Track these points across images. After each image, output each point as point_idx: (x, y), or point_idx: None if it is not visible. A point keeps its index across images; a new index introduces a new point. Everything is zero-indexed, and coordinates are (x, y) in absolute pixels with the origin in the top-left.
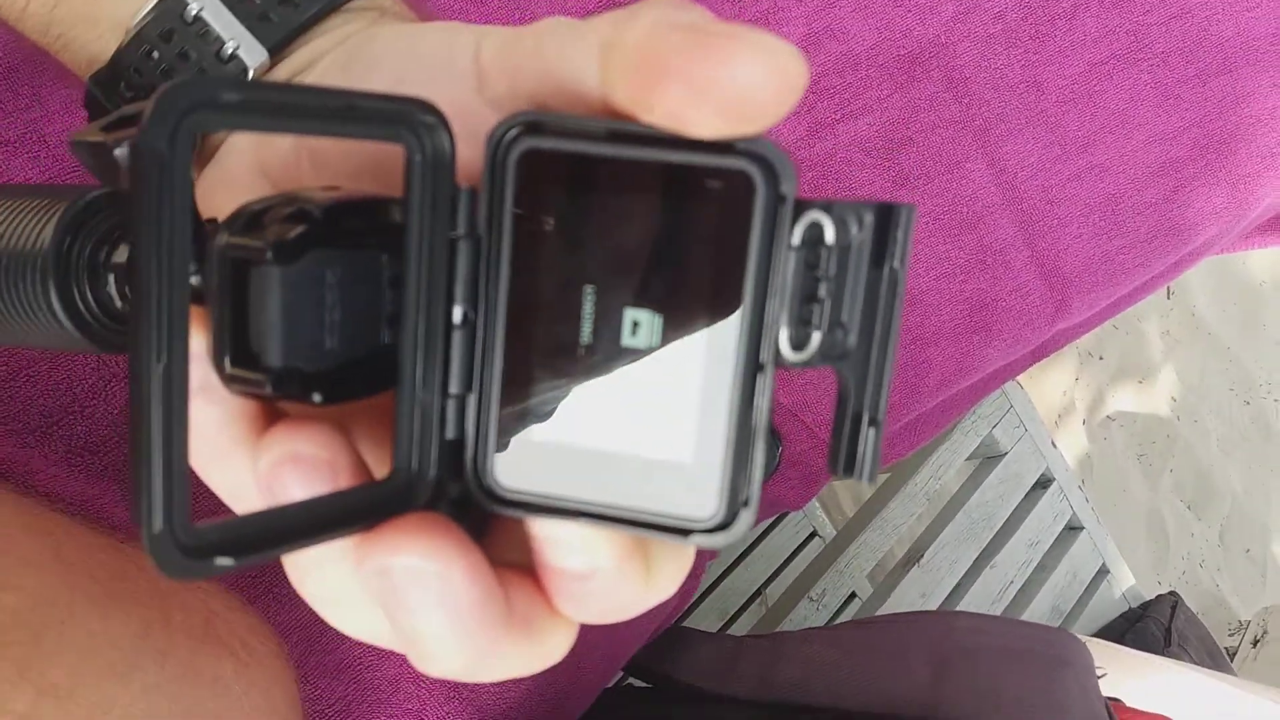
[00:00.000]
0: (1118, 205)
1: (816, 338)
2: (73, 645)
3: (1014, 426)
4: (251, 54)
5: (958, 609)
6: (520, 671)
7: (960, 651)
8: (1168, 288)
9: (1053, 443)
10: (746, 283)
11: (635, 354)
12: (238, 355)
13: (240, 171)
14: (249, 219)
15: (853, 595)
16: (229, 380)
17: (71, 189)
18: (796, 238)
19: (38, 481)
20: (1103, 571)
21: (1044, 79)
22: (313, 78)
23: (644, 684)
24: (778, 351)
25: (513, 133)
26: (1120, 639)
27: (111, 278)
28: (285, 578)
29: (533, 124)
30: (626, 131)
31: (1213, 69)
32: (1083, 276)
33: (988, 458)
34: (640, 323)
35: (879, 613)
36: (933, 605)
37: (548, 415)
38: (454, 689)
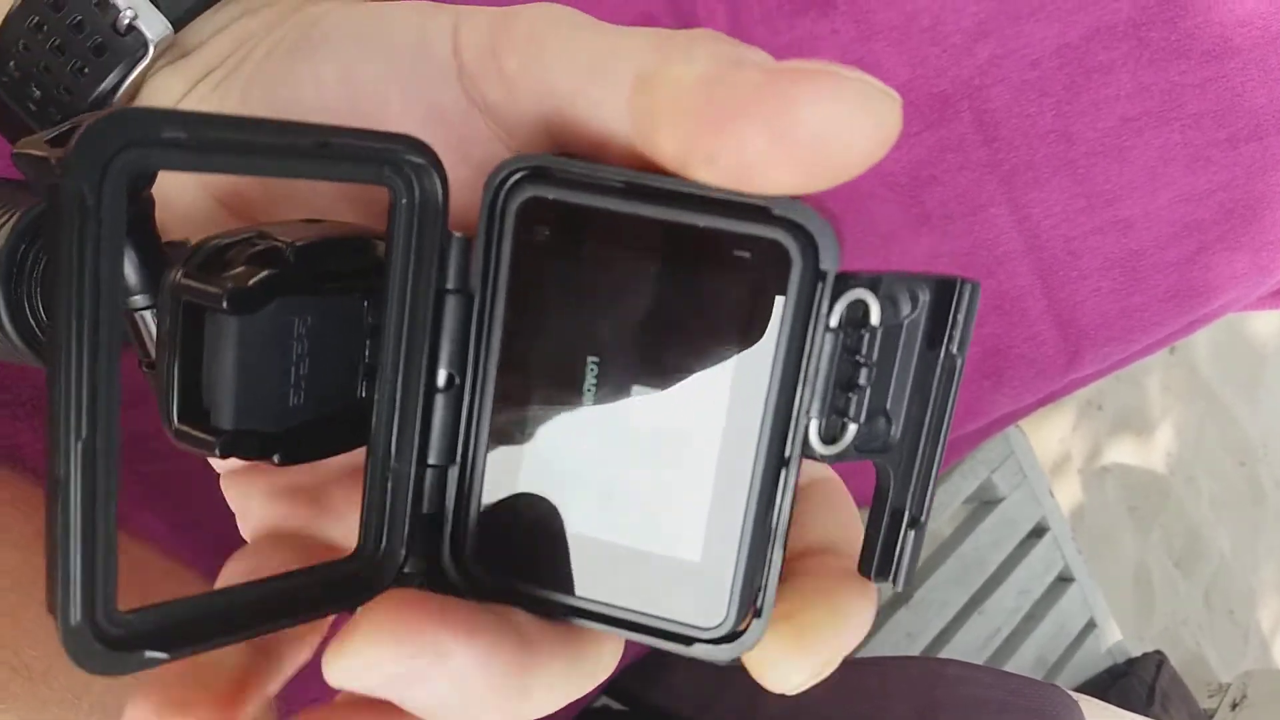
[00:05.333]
0: (1139, 262)
1: (852, 430)
2: (49, 626)
3: (1013, 473)
4: (151, 25)
5: (944, 654)
6: (574, 695)
7: (949, 700)
8: (1171, 344)
9: (1050, 492)
10: (774, 367)
11: (642, 437)
12: (187, 409)
13: (188, 183)
14: (209, 255)
15: None
16: (176, 436)
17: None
18: (835, 319)
19: (25, 456)
20: (1090, 625)
21: (1075, 130)
22: (245, 73)
23: (621, 706)
24: (806, 444)
25: (515, 178)
26: (1104, 694)
27: None
28: None
29: (538, 170)
30: (646, 186)
31: (1243, 134)
32: (1099, 330)
33: (984, 502)
34: (649, 402)
35: (865, 650)
36: (919, 647)
37: (539, 496)
38: None
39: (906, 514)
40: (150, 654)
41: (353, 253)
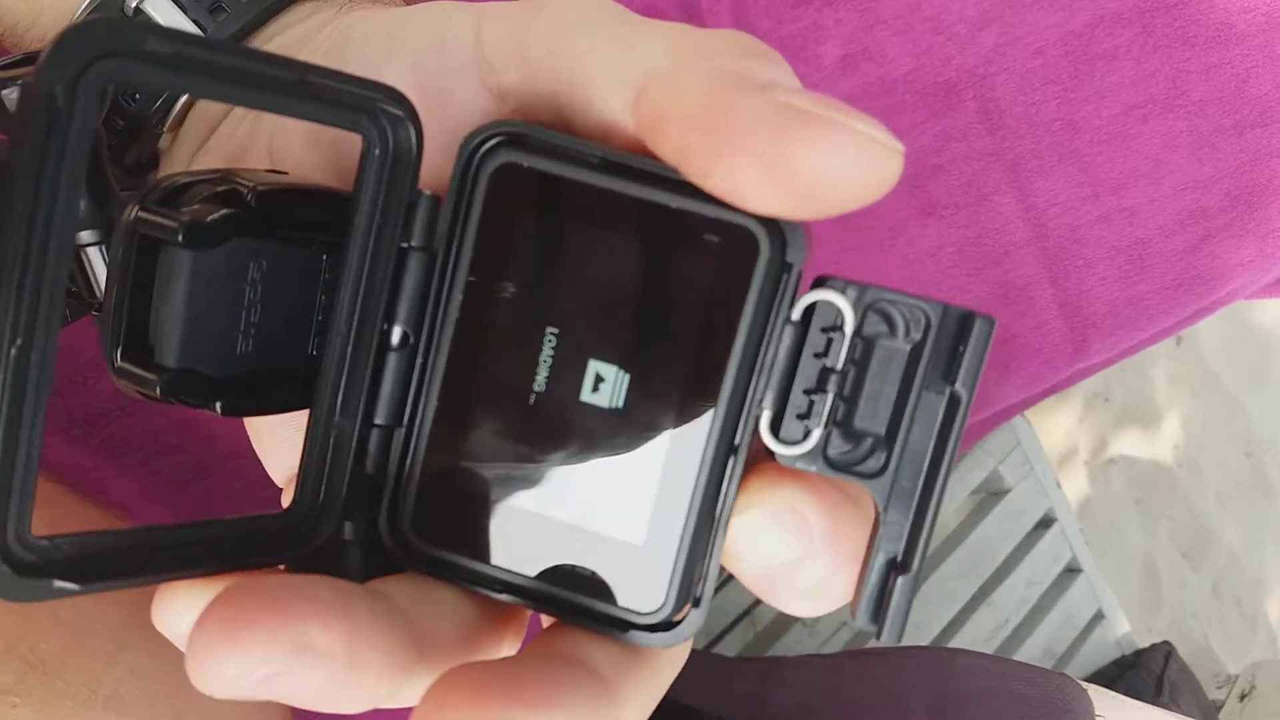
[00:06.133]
0: (1145, 250)
1: (816, 436)
2: (63, 621)
3: (1020, 464)
4: None
5: (952, 645)
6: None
7: (960, 691)
8: (1178, 334)
9: (1058, 484)
10: (733, 353)
11: (594, 413)
12: (131, 347)
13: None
14: (168, 192)
15: (844, 623)
16: (117, 375)
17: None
18: (797, 313)
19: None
20: (1098, 616)
21: (1080, 118)
22: None
23: None
24: (760, 439)
25: (491, 143)
26: (1111, 685)
27: None
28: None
29: (515, 136)
30: (622, 163)
31: (1249, 121)
32: (1105, 319)
33: (991, 493)
34: (604, 378)
35: (873, 642)
36: (927, 638)
37: (484, 466)
38: None
39: (898, 559)
40: (59, 584)
41: (318, 206)
